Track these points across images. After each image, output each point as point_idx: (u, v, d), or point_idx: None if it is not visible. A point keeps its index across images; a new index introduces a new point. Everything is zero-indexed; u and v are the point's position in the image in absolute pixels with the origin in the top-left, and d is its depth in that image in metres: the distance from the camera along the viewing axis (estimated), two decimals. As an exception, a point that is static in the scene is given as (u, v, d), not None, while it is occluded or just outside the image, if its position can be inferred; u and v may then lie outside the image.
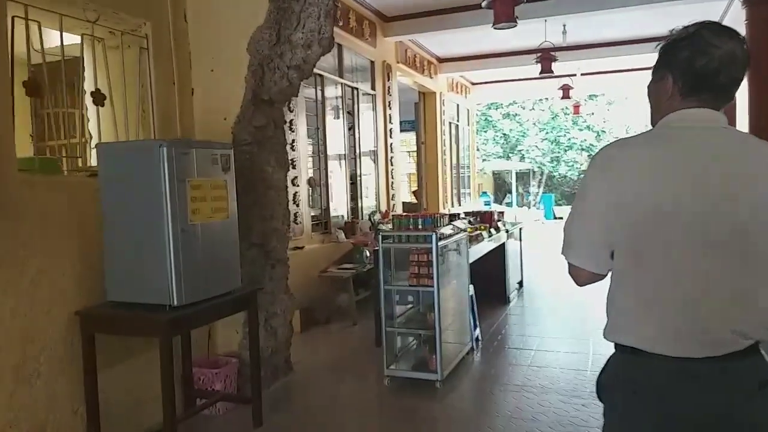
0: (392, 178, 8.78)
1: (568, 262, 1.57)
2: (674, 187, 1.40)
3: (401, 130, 12.13)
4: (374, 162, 8.39)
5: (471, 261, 5.41)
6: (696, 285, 1.40)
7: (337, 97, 7.46)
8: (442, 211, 11.24)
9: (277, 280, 4.41)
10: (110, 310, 3.16)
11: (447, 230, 4.34)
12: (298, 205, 6.08)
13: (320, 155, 6.92)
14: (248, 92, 4.10)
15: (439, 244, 4.17)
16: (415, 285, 4.23)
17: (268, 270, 4.32)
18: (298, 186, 6.10)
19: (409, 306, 4.72)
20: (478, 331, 5.37)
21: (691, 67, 1.45)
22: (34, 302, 2.92)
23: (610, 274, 1.55)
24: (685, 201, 1.39)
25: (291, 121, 6.04)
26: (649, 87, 1.62)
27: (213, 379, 3.88)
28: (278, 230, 4.39)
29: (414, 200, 11.83)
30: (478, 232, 6.00)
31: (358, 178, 7.84)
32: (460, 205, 12.98)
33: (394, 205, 8.79)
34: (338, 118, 7.52)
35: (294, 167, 6.05)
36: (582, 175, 1.82)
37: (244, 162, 4.12)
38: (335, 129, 7.40)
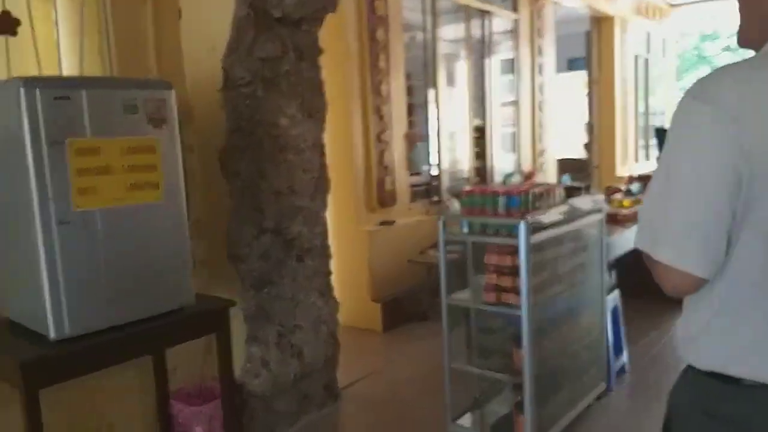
0: (540, 127, 6.90)
1: (658, 262, 1.07)
2: None
3: (571, 69, 10.02)
4: (516, 108, 6.59)
5: (623, 252, 3.65)
6: None
7: (456, 25, 5.81)
8: (618, 170, 8.99)
9: (305, 278, 3.13)
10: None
11: (551, 215, 2.66)
12: (386, 168, 4.69)
13: (427, 102, 5.39)
14: (241, 6, 2.78)
15: (535, 238, 2.54)
16: (494, 303, 2.67)
17: (291, 265, 3.04)
18: (386, 143, 4.69)
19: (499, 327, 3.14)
20: (623, 358, 3.60)
21: None
22: None
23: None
24: None
25: (377, 56, 4.60)
26: None
27: (191, 420, 2.76)
28: (305, 209, 3.08)
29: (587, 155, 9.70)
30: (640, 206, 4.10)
31: (488, 130, 6.14)
32: (648, 160, 10.48)
33: (542, 163, 6.94)
34: (459, 51, 5.88)
35: (381, 118, 4.64)
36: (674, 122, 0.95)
37: (242, 111, 2.85)
38: (453, 66, 5.79)
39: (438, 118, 5.39)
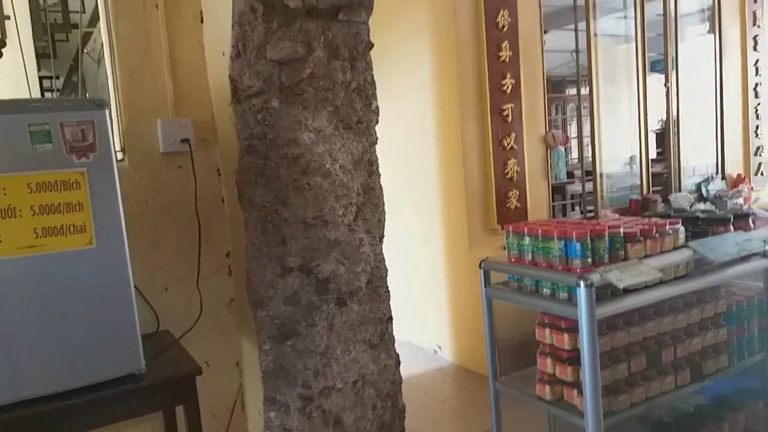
0: (757, 118, 5.21)
1: None
2: None
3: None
4: (718, 95, 5.05)
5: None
6: None
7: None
8: None
9: (347, 328, 2.52)
10: None
11: (643, 271, 1.67)
12: (510, 180, 3.82)
13: (579, 95, 4.32)
14: (241, -2, 2.27)
15: (611, 308, 1.62)
16: (548, 400, 1.79)
17: (327, 311, 2.47)
18: (510, 149, 3.82)
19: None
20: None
21: None
22: None
23: None
24: None
25: (501, 45, 3.75)
26: None
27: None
28: (342, 243, 2.48)
29: None
30: None
31: (672, 122, 4.77)
32: None
33: (760, 164, 5.24)
34: (624, 30, 4.67)
35: (504, 120, 3.78)
36: None
37: (253, 128, 2.34)
38: (609, 45, 4.61)
39: (594, 114, 4.31)
